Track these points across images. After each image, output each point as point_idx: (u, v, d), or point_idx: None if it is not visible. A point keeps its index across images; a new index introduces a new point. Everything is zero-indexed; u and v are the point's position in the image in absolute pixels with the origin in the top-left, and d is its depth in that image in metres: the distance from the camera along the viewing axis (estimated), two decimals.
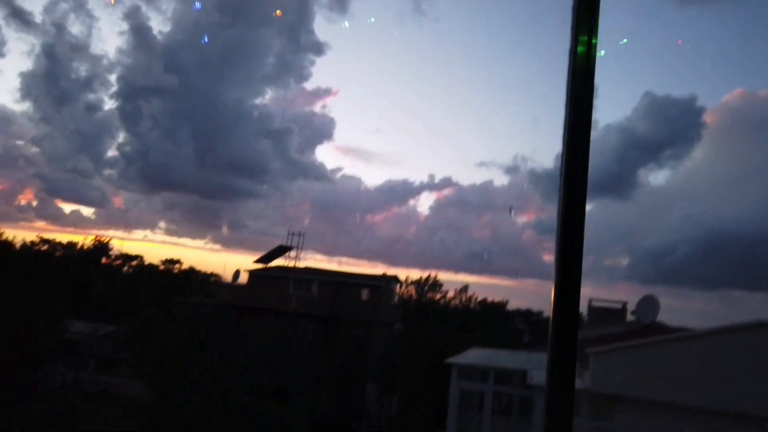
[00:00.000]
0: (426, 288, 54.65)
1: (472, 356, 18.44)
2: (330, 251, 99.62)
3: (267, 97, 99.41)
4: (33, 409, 22.06)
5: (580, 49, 1.40)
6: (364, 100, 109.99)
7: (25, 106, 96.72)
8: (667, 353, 13.61)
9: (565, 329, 1.47)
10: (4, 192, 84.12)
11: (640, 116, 63.86)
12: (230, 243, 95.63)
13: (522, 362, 18.38)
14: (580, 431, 13.56)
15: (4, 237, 49.37)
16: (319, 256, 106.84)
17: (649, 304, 19.55)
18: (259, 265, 40.80)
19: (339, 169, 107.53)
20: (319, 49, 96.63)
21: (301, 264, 41.64)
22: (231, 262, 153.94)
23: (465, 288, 55.94)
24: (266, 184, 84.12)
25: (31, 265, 42.61)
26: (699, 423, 12.93)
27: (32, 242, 54.58)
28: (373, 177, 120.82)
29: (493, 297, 58.03)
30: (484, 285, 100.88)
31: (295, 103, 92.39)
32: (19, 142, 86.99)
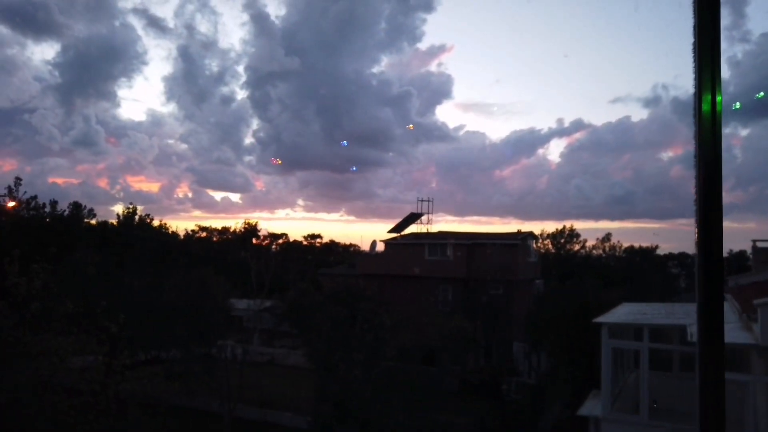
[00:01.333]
0: (564, 240, 52.83)
1: (623, 313, 17.70)
2: (461, 212, 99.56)
3: (383, 63, 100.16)
4: (216, 379, 25.11)
5: None
6: (480, 52, 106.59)
7: (171, 107, 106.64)
8: None
9: (710, 273, 1.42)
10: (164, 188, 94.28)
11: None
12: (364, 213, 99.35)
13: (679, 316, 17.31)
14: (753, 389, 12.59)
15: (169, 229, 55.67)
16: (450, 218, 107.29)
17: None
18: (393, 235, 42.06)
19: (461, 127, 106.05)
20: (428, 5, 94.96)
21: (434, 228, 42.30)
22: (367, 232, 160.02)
23: (607, 236, 53.17)
24: (391, 151, 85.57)
25: (194, 251, 47.78)
26: None
27: (192, 230, 61.03)
28: (497, 130, 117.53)
29: (641, 242, 54.52)
30: (628, 230, 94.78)
31: (411, 66, 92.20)
32: (170, 141, 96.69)
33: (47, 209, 40.53)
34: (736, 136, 72.06)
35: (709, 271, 1.42)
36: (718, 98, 1.37)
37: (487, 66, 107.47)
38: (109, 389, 14.82)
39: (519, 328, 30.66)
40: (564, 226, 53.26)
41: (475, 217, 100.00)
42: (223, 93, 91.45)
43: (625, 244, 54.37)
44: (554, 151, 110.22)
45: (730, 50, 78.81)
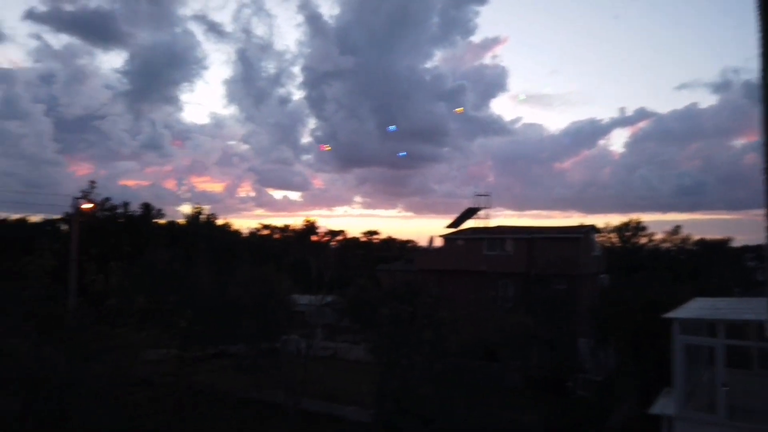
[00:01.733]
0: (629, 234, 50.88)
1: (695, 308, 16.87)
2: (519, 206, 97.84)
3: (437, 58, 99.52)
4: (281, 372, 25.76)
5: None
6: (535, 42, 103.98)
7: (231, 109, 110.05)
8: None
9: None
10: (228, 187, 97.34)
11: None
12: (421, 209, 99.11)
13: (756, 311, 16.35)
14: None
15: (233, 227, 57.49)
16: (508, 212, 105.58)
17: None
18: (451, 230, 41.79)
19: (518, 119, 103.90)
20: None
21: (492, 223, 41.73)
22: (424, 228, 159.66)
23: (677, 228, 50.78)
24: (447, 146, 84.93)
25: (257, 248, 49.13)
26: None
27: (255, 229, 62.76)
28: (555, 121, 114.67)
29: (713, 234, 51.79)
30: (699, 222, 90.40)
31: (465, 59, 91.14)
32: (232, 142, 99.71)
33: (120, 210, 42.70)
34: None
35: None
36: None
37: (543, 56, 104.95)
38: (181, 381, 15.50)
39: (584, 324, 29.82)
40: (630, 219, 51.34)
41: (535, 211, 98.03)
42: (280, 94, 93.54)
43: (696, 237, 51.84)
44: (617, 141, 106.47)
45: None
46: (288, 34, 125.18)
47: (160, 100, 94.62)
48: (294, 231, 61.07)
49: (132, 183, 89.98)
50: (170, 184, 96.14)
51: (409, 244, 62.69)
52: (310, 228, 60.89)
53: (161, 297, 18.41)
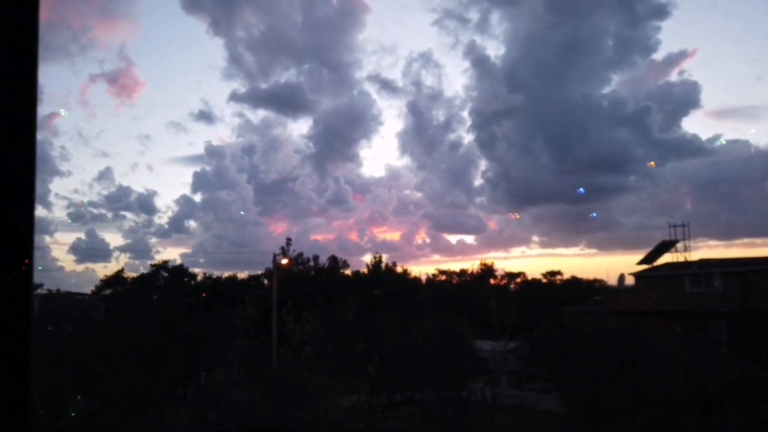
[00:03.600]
0: None
1: None
2: (726, 235, 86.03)
3: (614, 82, 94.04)
4: (468, 421, 25.21)
5: None
6: (730, 50, 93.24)
7: (405, 160, 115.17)
8: None
9: None
10: (404, 235, 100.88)
11: None
12: (606, 245, 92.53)
13: None
14: None
15: (411, 274, 59.06)
16: (713, 242, 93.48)
17: None
18: (644, 266, 38.12)
19: (717, 137, 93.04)
20: (661, 12, 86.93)
21: (693, 257, 37.19)
22: (612, 265, 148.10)
23: None
24: (633, 174, 78.95)
25: (437, 294, 49.67)
26: None
27: (433, 275, 63.69)
28: (764, 135, 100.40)
29: None
30: None
31: (647, 79, 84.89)
32: (407, 192, 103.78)
33: (311, 263, 46.48)
34: None
35: None
36: None
37: (741, 64, 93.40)
38: (372, 428, 15.88)
39: None
40: None
41: (747, 239, 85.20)
42: (450, 139, 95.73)
43: None
44: None
45: None
46: (456, 80, 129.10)
47: (342, 159, 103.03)
48: (471, 275, 60.75)
49: (321, 237, 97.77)
50: (353, 236, 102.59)
51: (597, 284, 58.42)
52: (488, 271, 60.05)
53: (350, 344, 19.34)
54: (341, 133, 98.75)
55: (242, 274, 56.40)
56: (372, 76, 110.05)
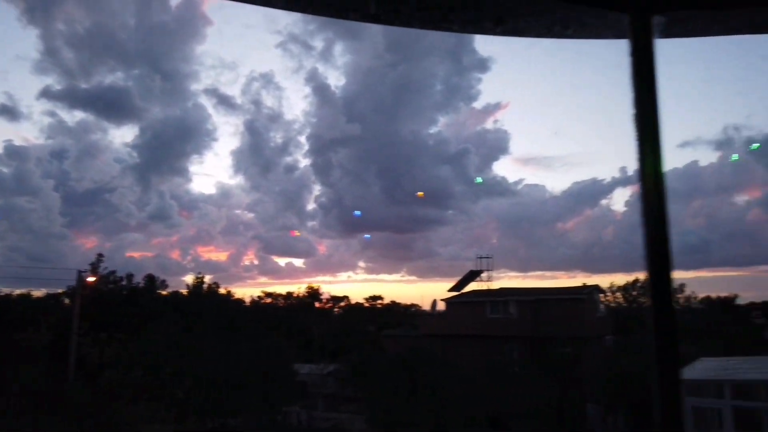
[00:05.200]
0: (636, 293, 50.41)
1: (701, 369, 16.61)
2: (524, 267, 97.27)
3: (440, 123, 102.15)
4: None
5: None
6: (535, 107, 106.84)
7: (238, 179, 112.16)
8: None
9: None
10: (232, 256, 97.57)
11: None
12: (425, 273, 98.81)
13: (764, 370, 16.08)
14: None
15: (235, 296, 57.33)
16: (513, 274, 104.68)
17: None
18: (454, 293, 41.55)
19: (520, 181, 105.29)
20: (483, 65, 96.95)
21: (496, 285, 41.51)
22: (429, 292, 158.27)
23: (681, 287, 50.35)
24: (451, 209, 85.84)
25: (260, 317, 48.77)
26: None
27: (258, 297, 62.51)
28: (558, 182, 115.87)
29: (718, 292, 51.34)
30: (705, 280, 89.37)
31: (467, 124, 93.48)
32: (238, 211, 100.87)
33: (124, 282, 42.80)
34: None
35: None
36: (659, 156, 1.50)
37: (543, 120, 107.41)
38: None
39: (591, 388, 29.09)
40: (635, 278, 51.05)
41: (539, 272, 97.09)
42: (287, 162, 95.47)
43: (702, 295, 51.30)
44: (619, 200, 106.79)
45: None
46: (296, 104, 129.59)
47: (169, 172, 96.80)
48: (297, 298, 60.85)
49: (138, 255, 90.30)
50: (175, 255, 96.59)
51: (413, 309, 62.08)
52: (313, 294, 60.66)
53: (160, 368, 18.23)
54: (170, 145, 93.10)
55: (38, 292, 49.94)
56: (209, 89, 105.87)
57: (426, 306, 46.98)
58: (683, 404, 1.46)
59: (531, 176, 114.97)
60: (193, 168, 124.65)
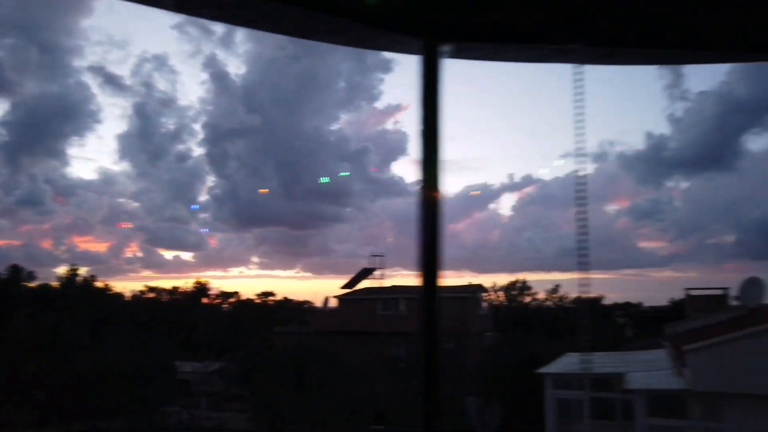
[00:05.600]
0: (516, 293, 53.61)
1: (566, 363, 18.02)
2: (417, 266, 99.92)
3: (342, 121, 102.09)
4: None
5: None
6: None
7: (124, 166, 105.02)
8: None
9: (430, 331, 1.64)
10: (113, 248, 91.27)
11: (738, 78, 56.40)
12: (320, 269, 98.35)
13: (619, 365, 17.74)
14: None
15: (114, 290, 53.78)
16: (406, 272, 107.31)
17: (753, 286, 18.30)
18: (346, 290, 41.83)
19: (418, 183, 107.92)
20: (386, 67, 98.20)
21: (388, 283, 42.30)
22: (324, 288, 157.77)
23: (556, 288, 54.33)
24: (349, 206, 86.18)
25: (141, 313, 46.13)
26: None
27: (140, 291, 59.04)
28: (452, 185, 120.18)
29: (588, 293, 55.81)
30: (578, 281, 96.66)
31: (369, 123, 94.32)
32: (121, 200, 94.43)
33: None
34: (677, 188, 76.37)
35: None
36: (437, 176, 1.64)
37: (441, 123, 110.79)
38: None
39: (471, 382, 30.53)
40: (516, 279, 54.25)
41: None
42: (179, 150, 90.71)
43: (574, 295, 55.68)
44: (506, 205, 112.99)
45: (671, 107, 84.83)
46: (192, 90, 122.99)
47: (43, 154, 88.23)
48: (183, 293, 58.17)
49: (2, 243, 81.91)
50: (47, 244, 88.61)
51: (306, 305, 61.69)
52: (201, 290, 58.32)
53: (18, 368, 16.66)
54: (47, 125, 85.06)
55: None
56: (95, 67, 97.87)
57: (319, 303, 46.92)
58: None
59: None
60: (72, 151, 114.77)
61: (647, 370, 16.19)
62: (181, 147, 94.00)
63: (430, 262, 1.56)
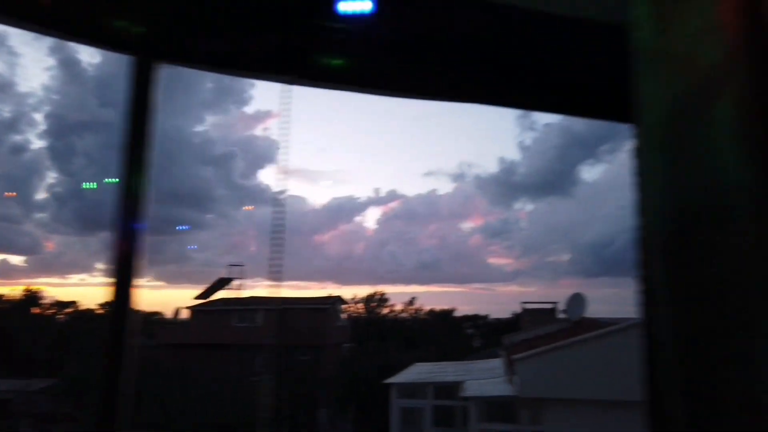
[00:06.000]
0: (375, 304, 54.82)
1: (412, 373, 18.71)
2: (280, 276, 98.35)
3: (207, 123, 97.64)
4: None
5: None
6: (305, 121, 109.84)
7: None
8: (590, 350, 14.24)
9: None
10: None
11: None
12: (175, 278, 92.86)
13: (462, 373, 18.77)
14: None
15: None
16: (268, 283, 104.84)
17: (576, 301, 20.40)
18: (200, 301, 39.94)
19: (284, 191, 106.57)
20: None
21: (247, 294, 41.05)
22: (176, 299, 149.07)
23: (412, 300, 56.48)
24: (211, 212, 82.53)
25: None
26: (625, 415, 13.58)
27: None
28: (320, 196, 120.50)
29: (442, 305, 58.83)
30: (433, 294, 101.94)
31: (237, 128, 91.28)
32: None
33: None
34: (524, 210, 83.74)
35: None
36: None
37: (312, 135, 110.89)
38: None
39: (325, 393, 30.59)
40: (375, 291, 55.49)
41: (294, 282, 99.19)
42: (14, 141, 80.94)
43: (428, 307, 58.27)
44: (371, 218, 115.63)
45: (521, 135, 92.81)
46: (35, 76, 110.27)
47: None
48: (9, 302, 51.62)
49: None
50: None
51: (156, 316, 57.84)
52: (32, 298, 52.20)
53: None
54: None
55: None
56: None
57: (170, 314, 44.24)
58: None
59: (296, 188, 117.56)
60: None
61: (485, 378, 17.32)
62: (17, 137, 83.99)
63: (123, 269, 1.55)
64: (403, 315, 54.88)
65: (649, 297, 1.04)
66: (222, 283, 40.79)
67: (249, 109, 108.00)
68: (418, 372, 18.91)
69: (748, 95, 0.96)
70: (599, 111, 2.18)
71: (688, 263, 0.96)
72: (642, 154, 1.03)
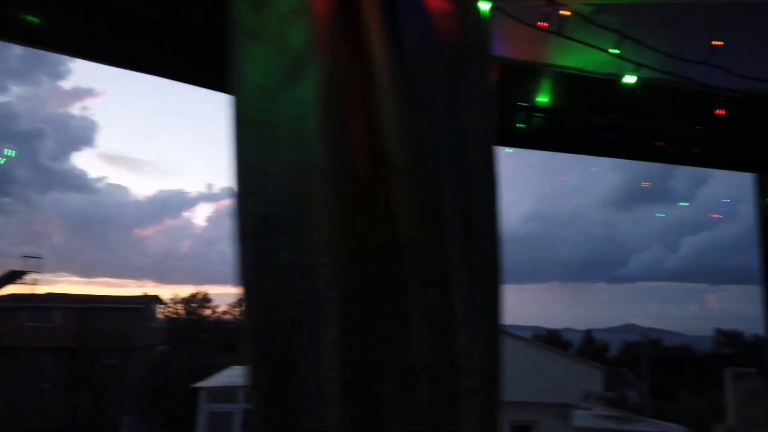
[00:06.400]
0: (196, 305, 52.25)
1: (225, 377, 18.25)
2: (89, 272, 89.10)
3: (12, 93, 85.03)
4: None
5: None
6: (132, 105, 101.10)
7: None
8: None
9: None
10: None
11: None
12: None
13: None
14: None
15: None
16: (75, 278, 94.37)
17: None
18: None
19: (103, 179, 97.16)
20: None
21: (44, 289, 36.58)
22: None
23: (238, 301, 54.86)
24: (9, 196, 71.88)
25: None
26: None
27: None
28: (144, 187, 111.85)
29: None
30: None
31: (49, 103, 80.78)
32: None
33: None
34: None
35: None
36: None
37: (139, 121, 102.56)
38: None
39: (133, 399, 28.52)
40: (198, 291, 52.84)
41: (107, 279, 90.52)
42: None
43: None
44: (201, 215, 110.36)
45: None
46: None
47: None
48: None
49: None
50: None
51: None
52: None
53: None
54: None
55: None
56: None
57: None
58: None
59: (117, 176, 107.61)
60: None
61: None
62: None
63: None
64: (227, 317, 53.11)
65: None
66: (13, 276, 35.89)
67: (66, 84, 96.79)
68: (232, 375, 18.52)
69: (327, 78, 1.07)
70: (200, 78, 2.38)
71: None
72: (236, 130, 1.09)
